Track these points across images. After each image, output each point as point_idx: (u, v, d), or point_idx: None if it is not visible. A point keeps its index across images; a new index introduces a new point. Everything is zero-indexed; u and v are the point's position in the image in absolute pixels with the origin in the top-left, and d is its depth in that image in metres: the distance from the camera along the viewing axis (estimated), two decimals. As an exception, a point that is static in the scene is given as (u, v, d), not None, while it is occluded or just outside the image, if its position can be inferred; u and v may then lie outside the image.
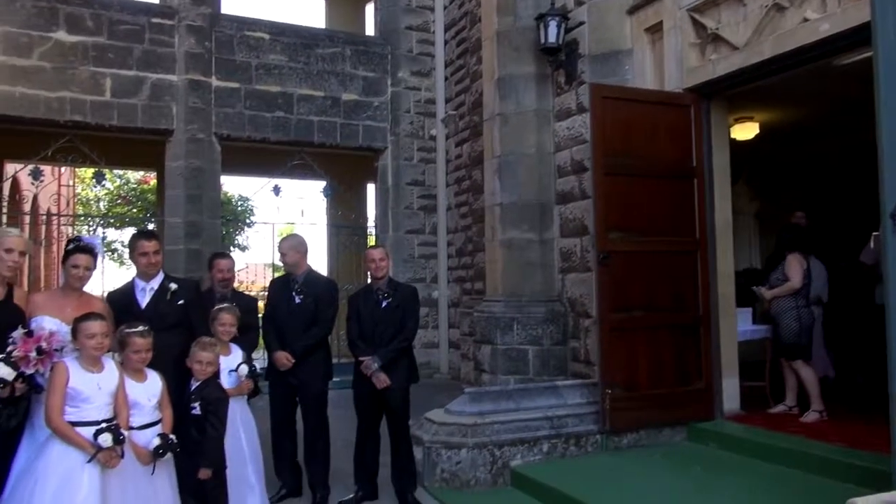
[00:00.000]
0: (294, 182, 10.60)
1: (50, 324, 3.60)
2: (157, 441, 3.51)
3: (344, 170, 10.84)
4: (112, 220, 19.67)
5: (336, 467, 4.97)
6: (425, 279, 10.08)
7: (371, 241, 10.34)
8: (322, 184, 10.26)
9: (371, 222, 10.72)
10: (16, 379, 3.32)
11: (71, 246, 3.80)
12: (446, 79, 10.12)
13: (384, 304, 4.76)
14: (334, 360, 5.12)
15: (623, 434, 5.46)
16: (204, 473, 3.76)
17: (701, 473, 4.79)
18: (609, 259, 5.43)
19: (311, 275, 5.02)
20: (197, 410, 3.84)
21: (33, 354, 3.37)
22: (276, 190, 9.67)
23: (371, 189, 11.93)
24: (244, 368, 4.26)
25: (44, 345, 3.41)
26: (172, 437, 3.58)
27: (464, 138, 9.46)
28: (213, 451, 3.80)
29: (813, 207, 8.15)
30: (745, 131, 8.04)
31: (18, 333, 3.41)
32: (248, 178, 12.99)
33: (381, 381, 4.63)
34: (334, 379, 4.99)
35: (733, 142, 6.62)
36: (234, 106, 9.29)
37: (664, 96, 5.89)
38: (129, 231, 20.73)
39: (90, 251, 3.83)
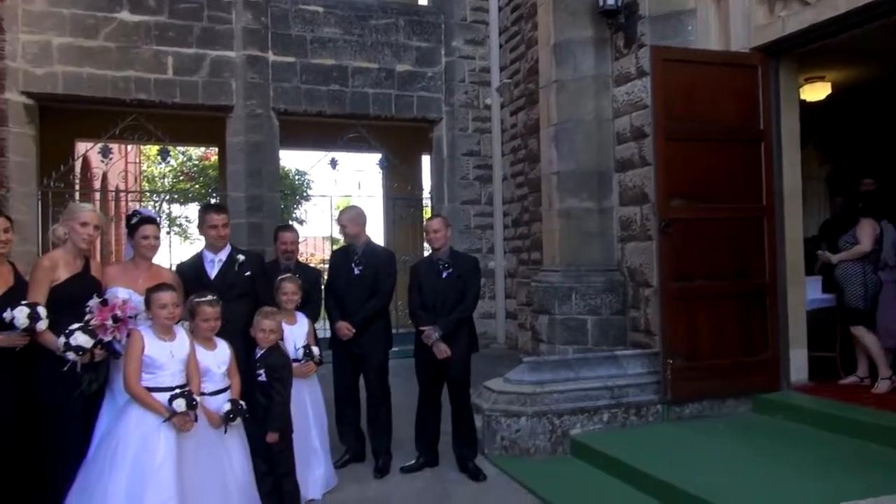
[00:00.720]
0: (350, 155, 10.71)
1: (123, 294, 3.76)
2: (227, 406, 3.65)
3: (399, 142, 10.86)
4: (176, 196, 20.36)
5: (398, 434, 5.07)
6: (481, 249, 10.07)
7: (427, 212, 10.36)
8: (378, 156, 10.32)
9: (426, 193, 10.74)
10: (94, 346, 3.49)
11: (135, 219, 3.93)
12: (500, 46, 9.96)
13: (445, 274, 4.79)
14: (393, 330, 5.20)
15: (685, 404, 5.38)
16: (271, 437, 3.90)
17: (766, 444, 4.68)
18: (670, 227, 5.30)
19: (370, 246, 5.08)
20: (263, 377, 3.97)
21: (109, 322, 3.54)
22: (333, 163, 9.77)
23: (426, 160, 11.94)
24: (301, 353, 4.36)
25: (118, 312, 3.57)
26: (242, 402, 3.71)
27: (519, 107, 9.34)
28: (279, 416, 3.93)
29: (886, 171, 7.74)
30: (816, 92, 7.66)
31: (94, 302, 3.59)
32: (306, 151, 13.17)
33: (442, 350, 4.67)
34: (395, 348, 5.07)
35: (803, 103, 6.33)
36: (291, 80, 9.39)
37: (729, 57, 5.66)
38: (193, 207, 21.48)
39: (155, 221, 3.98)
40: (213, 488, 3.57)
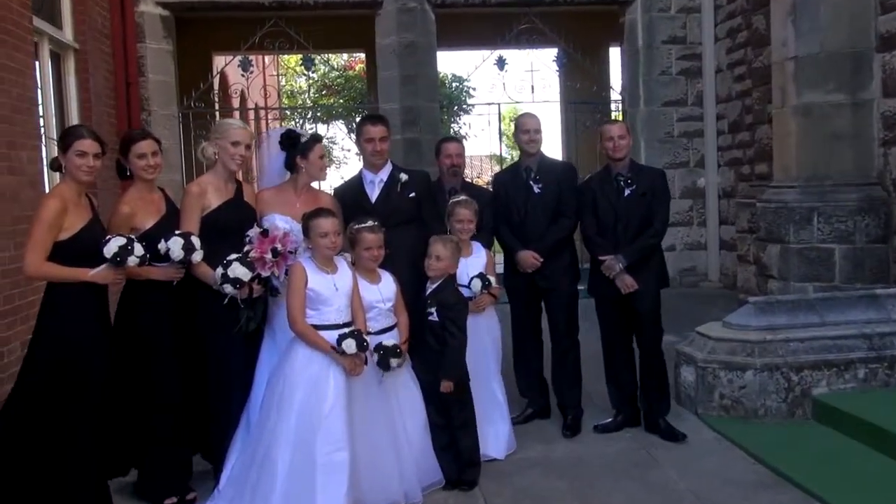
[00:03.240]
0: (520, 53, 10.55)
1: (281, 222, 4.03)
2: (375, 357, 3.78)
3: (581, 31, 10.58)
4: (319, 113, 21.40)
5: (586, 387, 5.12)
6: (688, 163, 9.76)
7: (616, 117, 10.07)
8: (554, 51, 10.11)
9: (616, 95, 10.45)
10: (252, 280, 3.81)
11: (304, 138, 4.16)
12: None
13: (627, 191, 4.73)
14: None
15: (975, 359, 4.93)
16: (446, 386, 4.04)
17: None
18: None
19: (546, 160, 5.07)
20: (434, 317, 4.11)
21: (269, 256, 3.84)
22: (500, 62, 9.71)
23: (615, 53, 11.53)
24: (476, 283, 4.43)
25: (279, 246, 3.85)
26: (397, 345, 3.84)
27: (739, -26, 8.72)
28: (454, 363, 4.06)
29: None
30: None
31: (255, 232, 3.89)
32: (466, 51, 13.15)
33: (628, 284, 4.65)
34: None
35: None
36: (448, -35, 9.39)
37: None
38: (337, 126, 22.48)
39: (321, 139, 4.22)
40: (384, 439, 3.84)
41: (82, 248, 3.57)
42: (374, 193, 4.48)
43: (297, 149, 4.16)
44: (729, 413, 4.96)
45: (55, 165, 3.74)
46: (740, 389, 4.94)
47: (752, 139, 8.42)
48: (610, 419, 4.95)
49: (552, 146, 12.78)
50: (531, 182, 4.93)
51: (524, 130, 4.97)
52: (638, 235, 4.70)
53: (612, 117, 10.11)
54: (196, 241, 3.79)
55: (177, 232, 3.80)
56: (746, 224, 8.16)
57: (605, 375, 5.01)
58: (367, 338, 3.71)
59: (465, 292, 4.38)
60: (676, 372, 5.26)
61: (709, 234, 9.76)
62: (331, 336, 3.66)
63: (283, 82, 21.30)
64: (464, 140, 8.56)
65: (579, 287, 5.02)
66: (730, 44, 9.21)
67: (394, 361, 3.80)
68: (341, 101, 21.53)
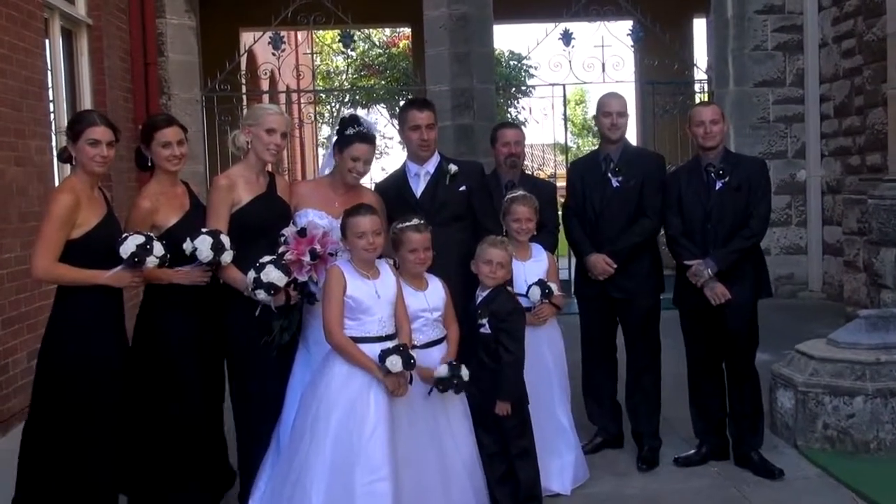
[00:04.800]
0: (588, 26, 10.53)
1: (319, 219, 4.08)
2: (443, 371, 3.81)
3: (660, 1, 10.49)
4: (358, 97, 21.60)
5: (666, 412, 5.09)
6: (786, 152, 9.70)
7: (701, 99, 9.99)
8: (628, 24, 10.06)
9: (701, 74, 10.41)
10: (287, 285, 3.84)
11: (350, 130, 4.14)
12: None
13: (719, 185, 4.68)
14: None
15: None
16: (501, 408, 4.06)
17: None
18: None
19: (630, 149, 5.04)
20: (486, 329, 4.12)
21: (307, 258, 3.88)
22: (566, 37, 9.71)
23: (700, 25, 11.41)
24: (535, 292, 4.42)
25: (318, 247, 3.89)
26: (464, 369, 3.84)
27: (847, -70, 8.62)
28: (511, 382, 4.07)
29: None
30: None
31: (291, 231, 3.94)
32: (525, 25, 13.18)
33: (718, 294, 4.60)
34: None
35: None
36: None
37: None
38: (378, 110, 22.64)
39: (372, 140, 4.20)
40: (432, 468, 3.86)
41: (96, 247, 3.66)
42: (419, 187, 4.50)
43: (338, 140, 4.21)
44: (834, 446, 4.90)
45: (64, 156, 3.82)
46: (848, 419, 4.88)
47: (863, 125, 8.35)
48: (693, 451, 4.90)
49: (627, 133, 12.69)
50: (609, 174, 4.90)
51: (606, 112, 4.94)
52: (731, 237, 4.64)
53: (697, 99, 10.04)
54: (226, 240, 3.85)
55: (204, 230, 3.86)
56: (855, 224, 8.08)
57: (689, 400, 4.96)
58: (414, 353, 3.72)
59: (523, 302, 4.38)
60: (772, 397, 5.20)
61: (810, 236, 9.71)
62: (372, 350, 3.69)
63: (317, 61, 21.55)
64: (523, 126, 8.58)
65: (661, 297, 4.99)
66: (836, 13, 9.15)
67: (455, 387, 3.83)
68: (383, 82, 21.70)
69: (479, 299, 4.19)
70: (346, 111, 11.43)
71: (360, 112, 18.38)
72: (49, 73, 6.69)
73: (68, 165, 3.99)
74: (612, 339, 5.10)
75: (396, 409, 3.74)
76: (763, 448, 4.79)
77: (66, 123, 6.66)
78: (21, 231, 5.61)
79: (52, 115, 6.69)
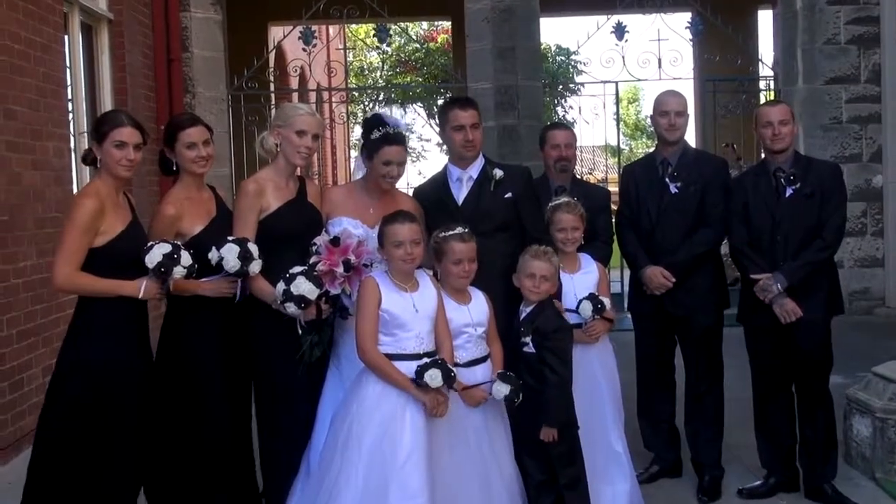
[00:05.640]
0: (643, 19, 10.50)
1: (354, 228, 4.09)
2: (503, 389, 3.81)
3: (722, -10, 10.44)
4: (394, 95, 21.70)
5: (728, 438, 5.04)
6: (860, 156, 9.59)
7: (768, 98, 9.90)
8: (686, 15, 10.01)
9: (767, 70, 10.34)
10: (319, 298, 3.85)
11: (376, 133, 4.15)
12: None
13: (789, 191, 4.65)
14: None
15: None
16: (547, 434, 4.03)
17: None
18: None
19: (690, 152, 5.01)
20: (530, 347, 4.11)
21: (340, 270, 3.88)
22: (619, 30, 9.67)
23: (766, 17, 11.31)
24: (586, 307, 4.40)
25: (352, 258, 3.90)
26: (520, 383, 3.86)
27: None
28: (556, 405, 4.04)
29: None
30: None
31: (323, 239, 3.95)
32: (575, 17, 13.14)
33: (789, 311, 4.55)
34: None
35: None
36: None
37: None
38: (415, 110, 22.73)
39: (401, 139, 4.20)
40: (472, 494, 3.85)
41: (120, 257, 3.69)
42: (461, 194, 4.49)
43: (365, 144, 4.23)
44: (918, 479, 4.84)
45: (89, 158, 3.86)
46: (933, 449, 4.81)
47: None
48: (759, 481, 4.86)
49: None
50: (667, 179, 4.88)
51: (663, 112, 4.91)
52: (802, 248, 4.59)
53: (762, 98, 9.94)
54: (254, 248, 3.86)
55: (230, 238, 3.87)
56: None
57: (755, 426, 4.92)
58: (455, 369, 3.72)
59: (572, 318, 4.37)
60: (847, 424, 5.14)
61: (888, 247, 9.60)
62: (408, 368, 3.69)
63: (350, 57, 21.71)
64: (573, 125, 8.57)
65: (724, 314, 4.95)
66: (917, 3, 8.98)
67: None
68: (420, 79, 21.78)
69: (523, 315, 4.18)
70: (381, 111, 11.47)
71: (396, 112, 18.48)
72: (68, 70, 6.79)
73: (87, 169, 4.03)
74: (670, 358, 5.08)
75: (436, 431, 3.73)
76: (837, 480, 4.73)
77: (85, 124, 6.83)
78: (38, 238, 5.69)
79: (70, 116, 6.77)
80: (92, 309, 3.71)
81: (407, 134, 4.42)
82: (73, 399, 3.66)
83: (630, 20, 9.93)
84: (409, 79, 22.33)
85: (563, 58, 21.29)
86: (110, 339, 3.69)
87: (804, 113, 9.47)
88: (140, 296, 3.69)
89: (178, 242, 3.77)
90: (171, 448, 3.96)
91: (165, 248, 3.66)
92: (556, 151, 5.11)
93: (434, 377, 3.59)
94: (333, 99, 11.90)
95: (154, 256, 3.62)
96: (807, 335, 4.62)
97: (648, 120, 5.15)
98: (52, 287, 3.91)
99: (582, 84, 14.63)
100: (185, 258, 3.68)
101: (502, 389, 3.82)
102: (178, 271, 3.66)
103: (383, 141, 4.12)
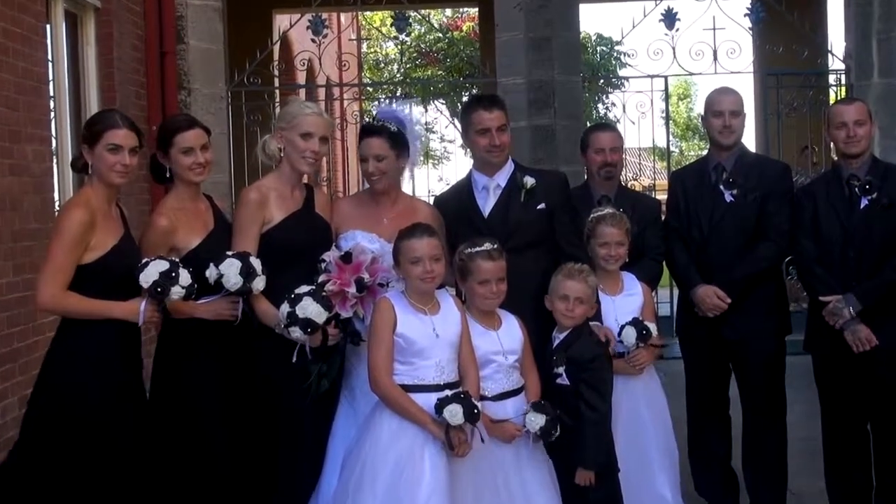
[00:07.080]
0: (696, 5, 10.46)
1: (369, 242, 4.12)
2: (538, 420, 3.83)
3: (786, -27, 10.40)
4: (413, 91, 21.66)
5: (795, 481, 5.04)
6: (945, 161, 9.34)
7: (839, 94, 9.84)
8: (746, 1, 9.97)
9: (838, 63, 10.24)
10: (328, 322, 3.87)
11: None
12: None
13: (864, 201, 4.64)
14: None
15: None
16: (583, 478, 4.04)
17: None
18: None
19: (748, 156, 5.02)
20: (564, 379, 4.12)
21: (352, 290, 3.89)
22: (669, 18, 9.64)
23: (836, 4, 11.27)
24: (630, 333, 4.40)
25: (366, 276, 3.91)
26: (558, 414, 3.90)
27: None
28: (593, 445, 4.05)
29: None
30: None
31: (333, 255, 3.97)
32: (618, 3, 13.16)
33: (863, 338, 4.53)
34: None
35: None
36: None
37: None
38: (437, 107, 22.73)
39: (380, 130, 4.20)
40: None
41: (111, 275, 3.71)
42: (487, 204, 4.49)
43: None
44: None
45: (79, 164, 3.90)
46: None
47: None
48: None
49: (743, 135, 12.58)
50: (721, 186, 4.88)
51: (717, 112, 4.93)
52: (879, 266, 4.58)
53: (832, 95, 9.87)
54: (257, 263, 3.87)
55: (229, 252, 3.88)
56: None
57: (825, 470, 4.91)
58: (479, 404, 3.72)
59: (616, 347, 4.39)
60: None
61: (976, 266, 9.39)
62: (427, 401, 3.71)
63: (364, 49, 21.78)
64: (616, 124, 8.58)
65: (787, 340, 4.94)
66: None
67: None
68: (443, 73, 21.82)
69: (556, 343, 4.20)
70: (404, 107, 11.45)
71: (416, 110, 18.49)
72: (50, 65, 6.83)
73: (71, 175, 4.05)
74: (725, 390, 5.07)
75: (458, 473, 3.75)
76: (918, 532, 4.70)
77: (67, 125, 6.87)
78: (14, 252, 5.69)
79: (52, 116, 6.80)
80: (76, 332, 3.71)
81: (423, 134, 4.44)
82: (51, 435, 3.66)
83: (682, 6, 9.88)
84: (430, 72, 22.36)
85: (605, 49, 21.23)
86: (97, 367, 3.69)
87: (880, 112, 9.35)
88: (141, 321, 3.71)
89: (176, 259, 3.78)
90: (167, 487, 3.94)
91: (162, 265, 3.67)
92: (601, 156, 5.10)
93: (454, 413, 3.59)
94: (345, 95, 11.89)
95: (150, 275, 3.64)
96: (884, 366, 4.59)
97: (701, 119, 5.14)
98: (36, 307, 3.92)
99: (626, 78, 14.57)
100: (184, 277, 3.69)
101: (537, 420, 3.84)
102: (177, 291, 3.68)
103: (363, 132, 4.23)
